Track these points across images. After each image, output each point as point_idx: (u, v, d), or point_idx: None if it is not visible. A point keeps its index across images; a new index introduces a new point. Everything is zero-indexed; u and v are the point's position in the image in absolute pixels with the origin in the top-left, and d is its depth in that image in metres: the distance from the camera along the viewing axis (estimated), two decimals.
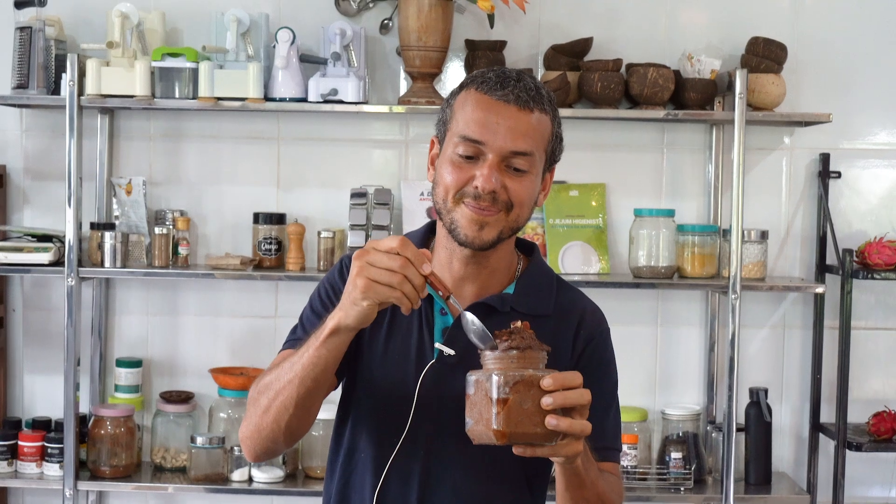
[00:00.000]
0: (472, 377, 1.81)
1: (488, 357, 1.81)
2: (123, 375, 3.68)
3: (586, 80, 3.52)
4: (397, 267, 1.78)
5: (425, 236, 2.11)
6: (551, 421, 1.73)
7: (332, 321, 1.83)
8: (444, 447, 1.97)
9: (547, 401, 1.74)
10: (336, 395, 2.10)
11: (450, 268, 2.05)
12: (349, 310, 1.81)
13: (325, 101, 3.44)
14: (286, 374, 1.90)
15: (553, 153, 2.04)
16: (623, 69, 3.59)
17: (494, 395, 1.73)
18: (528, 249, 2.16)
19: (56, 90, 3.51)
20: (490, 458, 1.97)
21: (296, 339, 2.06)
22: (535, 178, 1.99)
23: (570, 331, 2.06)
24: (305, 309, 2.11)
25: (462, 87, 2.03)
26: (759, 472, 3.61)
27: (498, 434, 1.73)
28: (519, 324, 1.83)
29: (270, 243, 3.57)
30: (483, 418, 1.75)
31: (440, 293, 1.88)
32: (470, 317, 1.86)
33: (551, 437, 1.74)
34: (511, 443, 1.74)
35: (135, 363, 3.69)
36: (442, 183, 1.99)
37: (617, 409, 2.13)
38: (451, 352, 1.93)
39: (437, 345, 1.96)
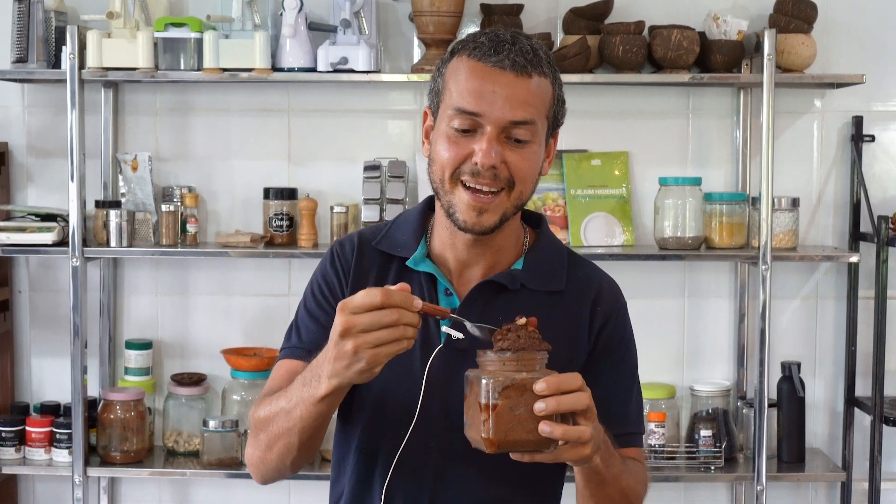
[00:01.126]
0: (468, 375, 1.70)
1: (483, 357, 1.70)
2: (133, 358, 3.58)
3: (607, 44, 3.38)
4: (393, 321, 1.62)
5: (423, 213, 1.98)
6: (544, 428, 1.62)
7: (325, 384, 1.69)
8: (456, 441, 1.82)
9: (539, 406, 1.62)
10: None
11: (453, 248, 1.93)
12: (351, 376, 1.67)
13: (335, 71, 3.31)
14: (284, 422, 1.79)
15: (556, 118, 1.91)
16: (645, 32, 3.45)
17: (483, 401, 1.63)
18: (535, 221, 2.03)
19: (57, 63, 3.39)
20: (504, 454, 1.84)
21: (294, 348, 1.94)
22: (537, 147, 1.86)
23: (585, 308, 1.94)
24: (300, 309, 1.99)
25: (453, 53, 1.89)
26: (792, 450, 3.48)
27: (487, 442, 1.63)
28: (523, 320, 1.70)
29: (282, 219, 3.46)
30: (475, 423, 1.66)
31: (438, 317, 1.76)
32: (469, 326, 1.74)
33: (547, 444, 1.64)
34: (503, 451, 1.64)
35: (145, 345, 3.59)
36: (438, 160, 1.86)
37: (639, 389, 2.00)
38: (460, 335, 1.77)
39: (443, 328, 1.81)
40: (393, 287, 1.66)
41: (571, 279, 1.96)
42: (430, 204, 2.00)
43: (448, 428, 1.83)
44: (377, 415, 1.90)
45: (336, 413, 1.86)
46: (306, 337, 1.93)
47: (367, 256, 1.96)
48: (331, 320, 1.70)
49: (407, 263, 1.93)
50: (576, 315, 1.93)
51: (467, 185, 1.82)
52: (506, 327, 1.69)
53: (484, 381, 1.62)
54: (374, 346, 1.61)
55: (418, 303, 1.64)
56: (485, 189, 1.82)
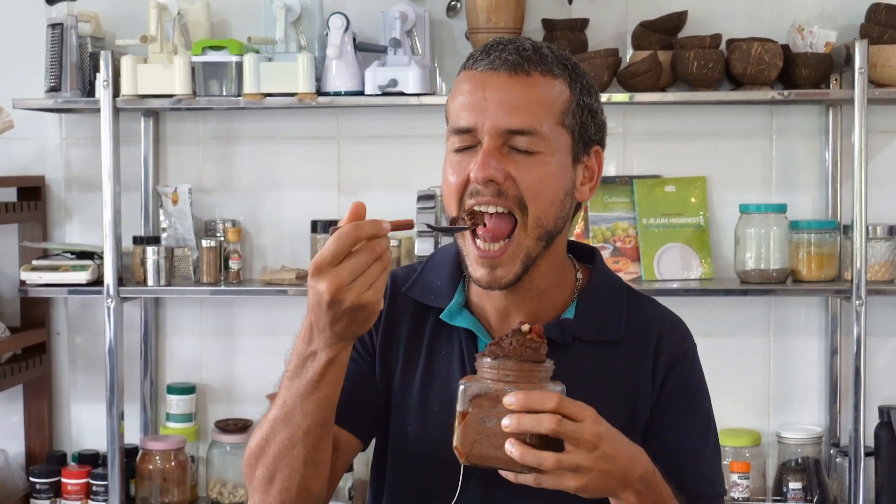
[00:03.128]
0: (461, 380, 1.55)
1: (478, 361, 1.53)
2: (175, 403, 3.38)
3: (680, 60, 3.10)
4: (376, 256, 1.44)
5: (459, 254, 1.71)
6: (507, 446, 1.44)
7: (324, 354, 1.49)
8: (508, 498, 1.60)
9: (505, 422, 1.44)
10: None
11: (489, 296, 1.68)
12: (355, 330, 1.48)
13: (385, 94, 3.09)
14: (283, 434, 1.55)
15: (582, 129, 1.63)
16: (723, 46, 3.18)
17: (458, 406, 1.50)
18: (586, 256, 1.77)
19: (91, 91, 3.21)
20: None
21: None
22: (552, 160, 1.60)
23: (646, 356, 1.68)
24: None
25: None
26: (892, 502, 3.16)
27: (457, 451, 1.49)
28: (526, 326, 1.50)
29: None
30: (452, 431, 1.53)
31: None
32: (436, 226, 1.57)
33: (516, 464, 1.46)
34: (472, 464, 1.50)
35: (187, 389, 3.39)
36: (444, 192, 1.64)
37: (715, 442, 1.74)
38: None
39: None
40: (354, 210, 1.45)
41: (630, 324, 1.70)
42: None
43: (495, 484, 1.59)
44: (413, 490, 1.69)
45: (368, 483, 1.73)
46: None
47: (401, 303, 1.74)
48: (360, 372, 1.62)
49: (441, 317, 1.70)
50: (636, 366, 1.68)
51: (476, 234, 1.60)
52: (511, 331, 1.51)
53: (461, 386, 1.50)
54: (367, 289, 1.43)
55: (387, 225, 1.45)
56: (489, 241, 1.59)
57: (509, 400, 1.44)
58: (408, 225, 1.50)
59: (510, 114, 1.58)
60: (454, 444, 1.48)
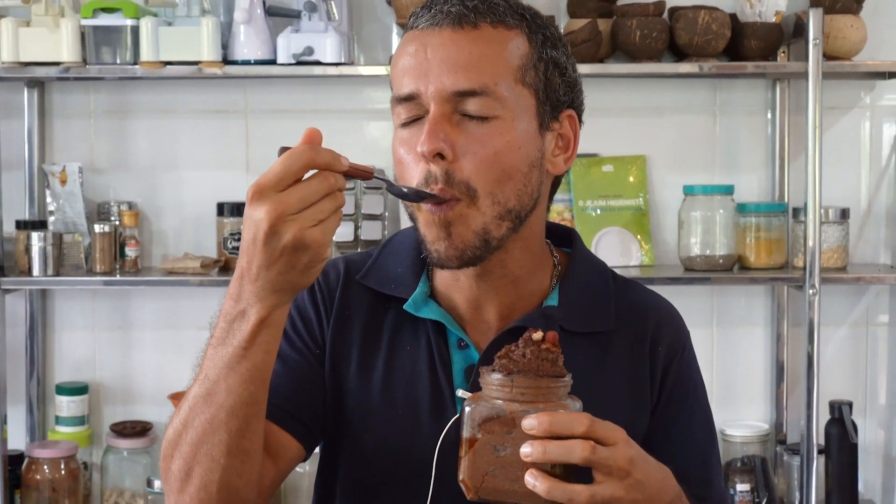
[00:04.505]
0: (461, 395, 1.33)
1: (483, 377, 1.30)
2: (65, 405, 3.10)
3: (622, 28, 2.88)
4: (329, 187, 1.23)
5: (420, 239, 1.49)
6: (528, 479, 1.23)
7: (256, 309, 1.27)
8: None
9: (525, 450, 1.23)
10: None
11: (457, 284, 1.48)
12: (295, 280, 1.25)
13: (299, 63, 2.86)
14: (204, 415, 1.30)
15: (549, 89, 1.42)
16: (665, 14, 2.95)
17: (464, 433, 1.28)
18: (564, 238, 1.57)
19: None
20: None
21: None
22: (513, 126, 1.38)
23: (642, 348, 1.50)
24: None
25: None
26: (843, 503, 2.98)
27: (464, 485, 1.28)
28: (539, 334, 1.28)
29: (239, 239, 2.97)
30: (456, 461, 1.31)
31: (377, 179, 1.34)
32: (395, 188, 1.37)
33: (538, 499, 1.25)
34: (482, 499, 1.29)
35: (79, 389, 3.11)
36: (399, 175, 1.43)
37: (717, 445, 1.58)
38: None
39: (459, 392, 1.37)
40: (308, 135, 1.25)
41: (621, 312, 1.51)
42: None
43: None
44: (375, 499, 1.48)
45: (313, 492, 1.55)
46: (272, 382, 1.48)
47: (355, 292, 1.52)
48: (305, 365, 1.45)
49: (405, 308, 1.48)
50: (633, 360, 1.49)
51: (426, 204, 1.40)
52: (510, 345, 1.30)
53: (467, 409, 1.28)
54: (314, 224, 1.23)
55: (345, 161, 1.26)
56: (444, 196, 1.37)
57: (530, 424, 1.22)
58: (366, 173, 1.29)
59: (455, 73, 1.37)
60: (460, 476, 1.28)
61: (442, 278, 1.49)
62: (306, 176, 1.23)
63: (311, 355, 1.49)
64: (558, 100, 1.44)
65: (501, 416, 1.26)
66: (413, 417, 1.45)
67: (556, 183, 1.50)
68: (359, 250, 2.96)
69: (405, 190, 1.37)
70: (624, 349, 1.49)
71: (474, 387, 1.39)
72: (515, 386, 1.26)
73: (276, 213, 1.20)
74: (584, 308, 1.49)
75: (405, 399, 1.46)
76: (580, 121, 1.49)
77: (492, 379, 1.28)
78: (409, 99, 1.39)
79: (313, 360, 1.49)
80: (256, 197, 1.22)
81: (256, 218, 1.22)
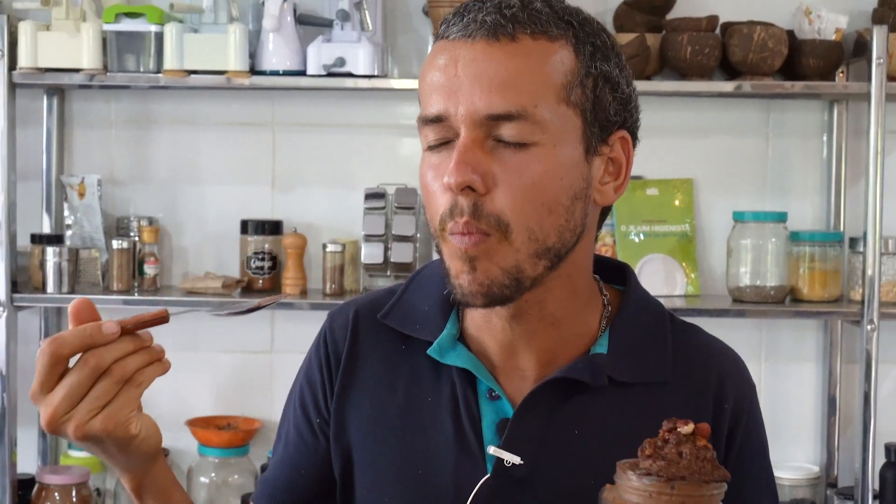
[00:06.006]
0: (602, 498, 1.12)
1: (624, 477, 1.10)
2: None
3: (671, 44, 2.74)
4: (92, 377, 1.16)
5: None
6: None
7: (124, 479, 1.30)
8: None
9: None
10: None
11: (488, 325, 1.31)
12: (124, 463, 1.27)
13: (330, 75, 2.78)
14: None
15: (599, 108, 1.26)
16: (718, 29, 2.83)
17: None
18: (616, 274, 1.40)
19: None
20: None
21: (266, 480, 1.44)
22: (554, 152, 1.23)
23: (705, 403, 1.34)
24: (284, 412, 1.46)
25: None
26: None
27: None
28: (690, 427, 1.09)
29: (263, 259, 2.97)
30: None
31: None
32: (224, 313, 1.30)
33: None
34: None
35: None
36: (426, 203, 1.29)
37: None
38: (517, 459, 1.26)
39: (491, 449, 1.27)
40: (73, 312, 1.20)
41: (679, 361, 1.34)
42: None
43: None
44: None
45: None
46: (280, 458, 1.43)
47: (370, 336, 1.38)
48: (304, 446, 1.37)
49: (429, 352, 1.33)
50: (691, 416, 1.28)
51: (452, 234, 1.24)
52: (663, 434, 1.10)
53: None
54: (92, 416, 1.17)
55: (112, 327, 1.18)
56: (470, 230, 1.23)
57: None
58: (156, 320, 1.22)
59: (489, 93, 1.21)
60: None
61: (473, 319, 1.33)
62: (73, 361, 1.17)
63: (308, 433, 1.38)
64: (608, 119, 1.27)
65: None
66: (435, 478, 1.30)
67: (604, 211, 1.33)
68: (388, 273, 2.84)
69: (243, 309, 1.27)
70: (682, 403, 1.32)
71: (507, 444, 1.26)
72: (676, 494, 1.07)
73: (48, 419, 1.16)
74: (637, 356, 1.33)
75: (425, 458, 1.31)
76: (635, 142, 1.32)
77: (643, 484, 1.09)
78: (437, 120, 1.25)
79: (311, 439, 1.39)
80: (33, 401, 1.18)
81: (41, 418, 1.19)
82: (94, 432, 1.16)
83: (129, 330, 1.19)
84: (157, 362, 1.23)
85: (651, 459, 1.08)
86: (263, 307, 1.25)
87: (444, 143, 1.24)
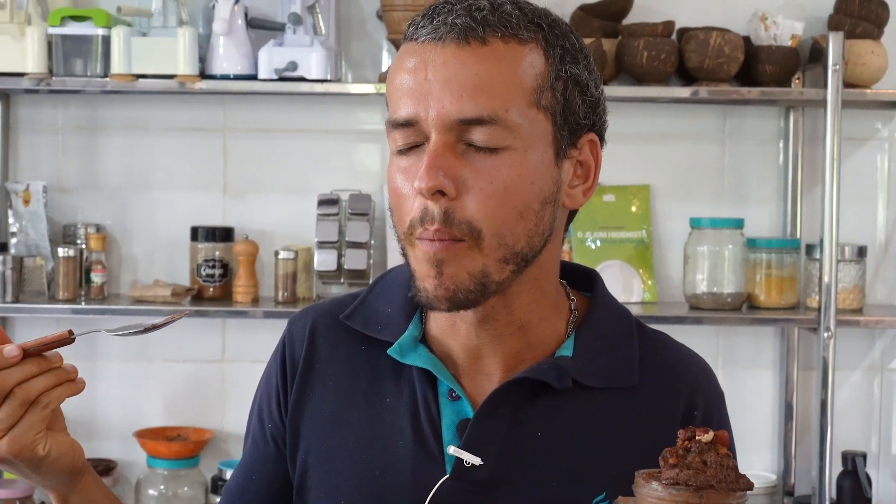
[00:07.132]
0: None
1: (645, 487, 1.09)
2: None
3: (628, 49, 2.73)
4: None
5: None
6: None
7: (52, 497, 1.30)
8: None
9: None
10: None
11: (453, 329, 1.31)
12: (40, 482, 1.28)
13: (282, 79, 2.74)
14: None
15: (569, 111, 1.25)
16: (675, 35, 2.81)
17: None
18: (583, 280, 1.39)
19: None
20: None
21: (230, 488, 1.43)
22: (522, 156, 1.23)
23: (674, 410, 1.34)
24: (249, 417, 1.44)
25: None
26: None
27: None
28: (710, 435, 1.08)
29: (214, 267, 2.93)
30: None
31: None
32: (111, 332, 1.30)
33: None
34: None
35: None
36: (394, 206, 1.27)
37: None
38: (477, 460, 1.25)
39: (450, 449, 1.26)
40: None
41: (646, 367, 1.33)
42: None
43: None
44: None
45: None
46: (240, 465, 1.43)
47: (329, 340, 1.38)
48: (260, 455, 1.37)
49: (389, 352, 1.32)
50: (660, 422, 1.31)
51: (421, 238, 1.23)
52: (681, 441, 1.09)
53: None
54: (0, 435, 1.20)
55: (13, 351, 1.18)
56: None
57: None
58: (60, 341, 1.22)
59: (460, 97, 1.20)
60: None
61: (437, 322, 1.32)
62: None
63: (266, 435, 1.38)
64: (578, 123, 1.26)
65: None
66: (393, 480, 1.29)
67: (571, 214, 1.33)
68: (341, 280, 2.81)
69: (142, 328, 1.28)
70: (651, 410, 1.31)
71: (468, 445, 1.25)
72: (705, 503, 1.06)
73: None
74: (602, 360, 1.31)
75: (383, 459, 1.30)
76: (602, 144, 1.31)
77: (669, 494, 1.07)
78: (406, 124, 1.23)
79: (269, 441, 1.38)
80: None
81: None
82: (1, 455, 1.18)
83: (33, 353, 1.19)
84: (68, 383, 1.23)
85: (677, 469, 1.06)
86: (161, 327, 1.25)
87: (413, 147, 1.23)
